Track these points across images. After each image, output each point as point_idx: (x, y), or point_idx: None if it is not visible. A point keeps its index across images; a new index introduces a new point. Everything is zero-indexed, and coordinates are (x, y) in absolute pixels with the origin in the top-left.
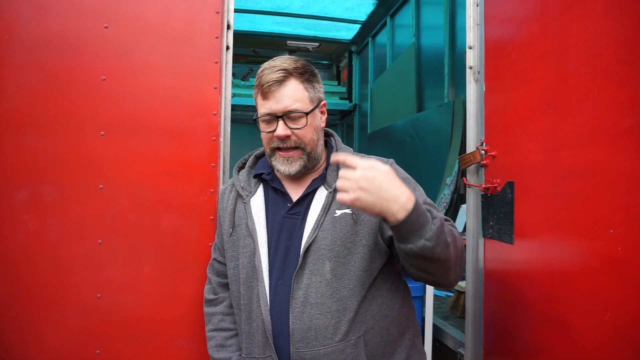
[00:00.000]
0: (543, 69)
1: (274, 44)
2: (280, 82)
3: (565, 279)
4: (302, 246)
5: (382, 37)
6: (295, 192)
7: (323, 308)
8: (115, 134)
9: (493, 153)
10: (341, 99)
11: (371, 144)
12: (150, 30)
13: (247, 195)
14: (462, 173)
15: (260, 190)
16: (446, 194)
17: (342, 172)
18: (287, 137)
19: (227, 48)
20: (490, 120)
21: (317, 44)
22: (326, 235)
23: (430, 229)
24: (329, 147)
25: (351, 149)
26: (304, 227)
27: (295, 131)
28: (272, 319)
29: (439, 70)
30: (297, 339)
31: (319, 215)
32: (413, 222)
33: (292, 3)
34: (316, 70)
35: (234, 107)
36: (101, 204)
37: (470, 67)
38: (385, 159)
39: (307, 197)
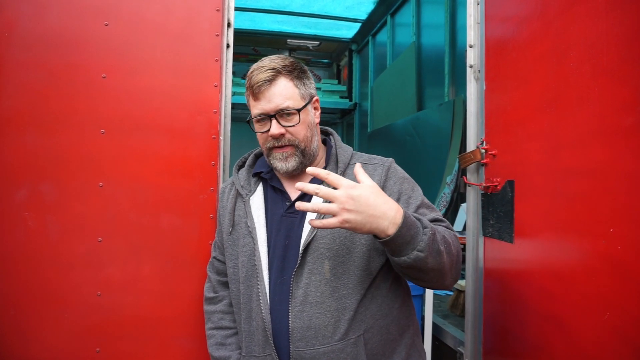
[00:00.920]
0: (544, 68)
1: (275, 42)
2: (270, 81)
3: (565, 278)
4: (301, 245)
5: (383, 36)
6: (294, 191)
7: (323, 307)
8: (116, 132)
9: (493, 152)
10: (341, 97)
11: (371, 143)
12: (150, 28)
13: (246, 194)
14: (463, 172)
15: (260, 189)
16: (446, 192)
17: (325, 192)
18: (282, 135)
19: (228, 46)
20: (491, 119)
21: (318, 42)
22: (325, 234)
23: (422, 240)
24: (328, 146)
25: (351, 148)
26: (302, 226)
27: (289, 129)
28: (272, 317)
29: (440, 69)
30: (296, 338)
31: (318, 214)
32: (404, 235)
33: (293, 1)
34: (305, 67)
35: (234, 106)
36: (101, 202)
37: (471, 66)
38: (385, 158)
39: (306, 196)
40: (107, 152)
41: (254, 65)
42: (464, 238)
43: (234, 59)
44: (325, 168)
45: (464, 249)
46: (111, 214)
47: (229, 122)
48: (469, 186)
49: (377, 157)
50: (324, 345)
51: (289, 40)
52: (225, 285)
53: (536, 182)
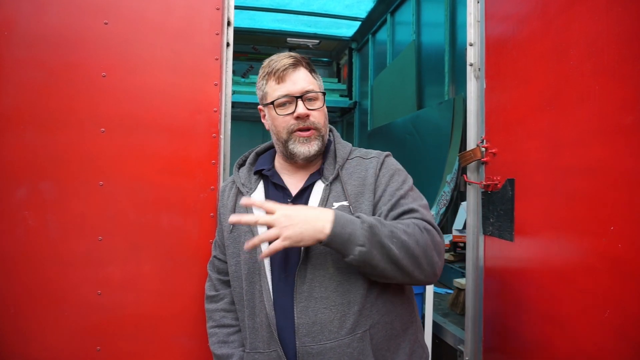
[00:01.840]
0: (544, 66)
1: (274, 41)
2: (295, 66)
3: (565, 276)
4: None
5: (383, 35)
6: (294, 187)
7: (328, 302)
8: (116, 131)
9: (493, 150)
10: (341, 96)
11: (371, 142)
12: (150, 27)
13: (247, 192)
14: (463, 170)
15: (261, 186)
16: (446, 191)
17: (264, 220)
18: (307, 116)
19: (228, 45)
20: (491, 117)
21: (317, 41)
22: None
23: (361, 234)
24: (328, 142)
25: (350, 144)
26: None
27: (313, 112)
28: (276, 313)
29: (440, 68)
30: (302, 334)
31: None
32: (341, 232)
33: (293, 0)
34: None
35: (234, 104)
36: (101, 201)
37: (471, 65)
38: (382, 152)
39: (306, 192)
40: (107, 151)
41: (271, 57)
42: (464, 237)
43: (234, 58)
44: (323, 163)
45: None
46: (111, 213)
47: (229, 120)
48: (469, 184)
49: (374, 152)
50: (330, 340)
51: (288, 39)
52: (226, 283)
53: (536, 180)
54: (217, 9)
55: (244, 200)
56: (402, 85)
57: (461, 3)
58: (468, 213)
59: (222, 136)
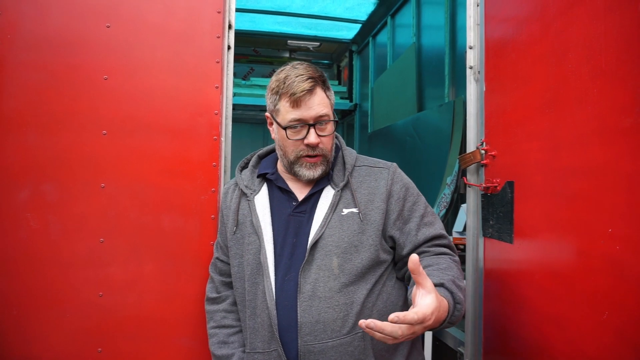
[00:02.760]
0: (543, 68)
1: (275, 43)
2: (311, 91)
3: (564, 277)
4: (310, 241)
5: (383, 37)
6: (300, 192)
7: (331, 302)
8: (117, 133)
9: (493, 153)
10: (342, 98)
11: (372, 144)
12: (151, 30)
13: (251, 194)
14: (463, 172)
15: (265, 189)
16: (446, 193)
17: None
18: (317, 144)
19: (229, 47)
20: (491, 120)
21: (318, 43)
22: (333, 232)
23: (457, 316)
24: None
25: (354, 151)
26: (310, 225)
27: (322, 139)
28: (278, 313)
29: (440, 70)
30: (305, 332)
31: (326, 213)
32: (451, 319)
33: (293, 3)
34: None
35: (235, 107)
36: (103, 202)
37: (471, 67)
38: (389, 162)
39: (313, 196)
40: (109, 152)
41: (288, 71)
42: (464, 239)
43: (235, 60)
44: (332, 170)
45: (464, 250)
46: (112, 215)
47: (230, 123)
48: (469, 187)
49: (381, 161)
50: (332, 339)
51: (289, 41)
52: (228, 285)
53: (536, 182)
54: (218, 12)
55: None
56: (403, 88)
57: (461, 6)
58: (468, 215)
59: (223, 138)
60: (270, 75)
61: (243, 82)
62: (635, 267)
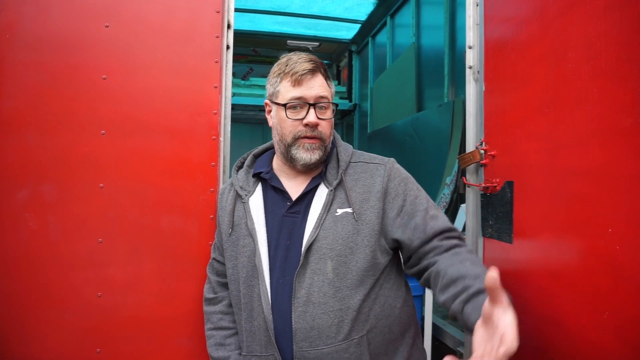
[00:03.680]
0: (542, 69)
1: (274, 43)
2: (313, 72)
3: (563, 278)
4: (304, 245)
5: (382, 37)
6: (294, 191)
7: (326, 307)
8: (116, 133)
9: (492, 153)
10: (341, 98)
11: (371, 144)
12: (151, 30)
13: (245, 195)
14: (462, 172)
15: (259, 189)
16: (446, 193)
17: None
18: (316, 125)
19: (228, 47)
20: (490, 120)
21: (317, 43)
22: (328, 234)
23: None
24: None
25: (350, 146)
26: (304, 226)
27: (321, 121)
28: (274, 318)
29: (439, 70)
30: (300, 338)
31: (320, 213)
32: None
33: (292, 3)
34: None
35: (234, 107)
36: (102, 203)
37: (470, 67)
38: (386, 158)
39: (307, 196)
40: (108, 153)
41: (290, 55)
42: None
43: (234, 60)
44: (326, 166)
45: None
46: (112, 215)
47: (229, 123)
48: (468, 187)
49: (378, 157)
50: (327, 346)
51: (288, 41)
52: (225, 286)
53: (535, 182)
54: (217, 12)
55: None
56: (402, 88)
57: (460, 6)
58: (467, 215)
59: (221, 138)
60: None
61: (242, 82)
62: (635, 267)
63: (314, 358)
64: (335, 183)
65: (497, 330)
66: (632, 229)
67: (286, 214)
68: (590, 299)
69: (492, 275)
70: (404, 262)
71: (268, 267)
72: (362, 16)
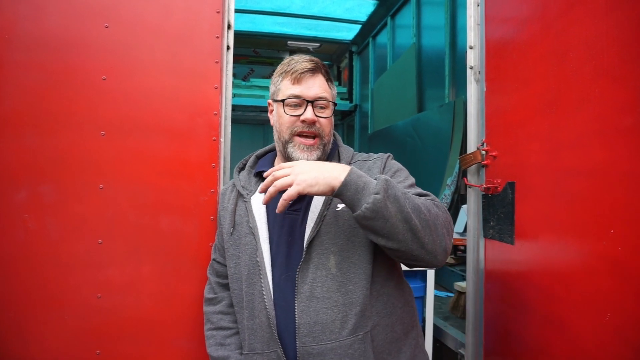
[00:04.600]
0: (544, 69)
1: (275, 44)
2: (313, 71)
3: (565, 279)
4: (306, 240)
5: (383, 38)
6: None
7: (330, 302)
8: (116, 133)
9: (494, 153)
10: (342, 99)
11: (372, 145)
12: (150, 30)
13: (247, 194)
14: (463, 173)
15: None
16: (447, 194)
17: (280, 172)
18: (314, 122)
19: (228, 48)
20: (491, 120)
21: (318, 44)
22: (329, 229)
23: (377, 184)
24: (332, 145)
25: (352, 149)
26: (305, 223)
27: (320, 119)
28: (277, 314)
29: (440, 71)
30: (303, 334)
31: (321, 209)
32: (356, 180)
33: (293, 3)
34: None
35: (234, 107)
36: (101, 203)
37: (471, 68)
38: (383, 154)
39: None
40: (107, 153)
41: (293, 56)
42: (465, 240)
43: (234, 61)
44: None
45: (464, 250)
46: (111, 216)
47: (229, 123)
48: (470, 187)
49: (376, 154)
50: (331, 341)
51: (289, 42)
52: (225, 287)
53: (537, 183)
54: (218, 12)
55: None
56: (403, 88)
57: (461, 6)
58: (469, 216)
59: (222, 139)
60: (270, 77)
61: (243, 82)
62: (637, 268)
63: (317, 354)
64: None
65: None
66: (634, 229)
67: (287, 212)
68: (592, 300)
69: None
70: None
71: (270, 263)
72: (363, 17)
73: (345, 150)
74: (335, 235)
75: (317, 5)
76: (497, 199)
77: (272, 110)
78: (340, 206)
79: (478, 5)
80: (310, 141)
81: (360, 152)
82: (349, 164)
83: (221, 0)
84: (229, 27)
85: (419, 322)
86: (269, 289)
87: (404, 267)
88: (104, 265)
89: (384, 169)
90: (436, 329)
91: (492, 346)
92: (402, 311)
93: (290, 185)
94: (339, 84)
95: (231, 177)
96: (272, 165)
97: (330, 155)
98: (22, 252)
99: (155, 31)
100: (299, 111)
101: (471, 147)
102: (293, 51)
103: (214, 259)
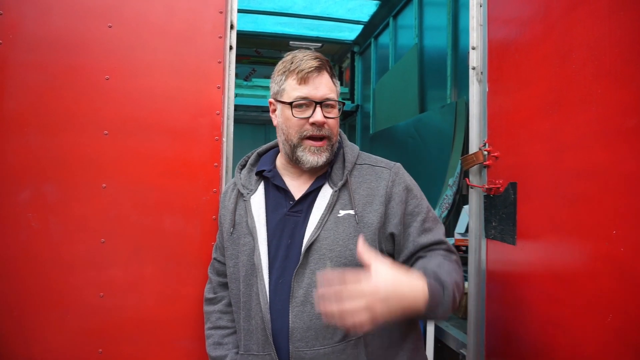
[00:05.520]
0: (546, 70)
1: (277, 44)
2: (319, 69)
3: (567, 280)
4: (304, 245)
5: (385, 38)
6: (297, 190)
7: None
8: (118, 133)
9: (496, 154)
10: (344, 99)
11: (373, 145)
12: (153, 30)
13: (247, 193)
14: (465, 174)
15: (261, 188)
16: (448, 194)
17: (348, 292)
18: (323, 124)
19: (231, 48)
20: (493, 121)
21: (320, 44)
22: (329, 235)
23: (446, 302)
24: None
25: (357, 147)
26: (306, 226)
27: (328, 120)
28: (272, 317)
29: (442, 71)
30: (296, 338)
31: (322, 214)
32: (432, 308)
33: (295, 4)
34: None
35: (236, 107)
36: (104, 203)
37: (474, 68)
38: (392, 163)
39: (310, 195)
40: (110, 153)
41: (296, 52)
42: (466, 240)
43: (237, 61)
44: (332, 166)
45: (466, 251)
46: (114, 215)
47: (232, 123)
48: (472, 188)
49: (384, 160)
50: (324, 346)
51: (291, 42)
52: (225, 286)
53: (539, 184)
54: (220, 13)
55: (360, 248)
56: (405, 89)
57: (463, 7)
58: (470, 216)
59: (224, 139)
60: None
61: (245, 82)
62: (639, 269)
63: (310, 359)
64: (340, 184)
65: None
66: (637, 230)
67: (288, 213)
68: (594, 301)
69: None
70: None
71: (267, 265)
72: (365, 17)
73: (351, 149)
74: (333, 241)
75: (319, 6)
76: (499, 200)
77: (275, 110)
78: (342, 212)
79: (481, 6)
80: (319, 143)
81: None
82: (354, 165)
83: (224, 0)
84: (231, 27)
85: (419, 327)
86: (265, 292)
87: None
88: (107, 264)
89: (392, 184)
90: (438, 330)
91: (493, 346)
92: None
93: (364, 322)
94: (341, 84)
95: (233, 176)
96: (274, 163)
97: (335, 155)
98: (25, 251)
99: (158, 31)
100: (307, 113)
101: (473, 147)
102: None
103: (214, 258)
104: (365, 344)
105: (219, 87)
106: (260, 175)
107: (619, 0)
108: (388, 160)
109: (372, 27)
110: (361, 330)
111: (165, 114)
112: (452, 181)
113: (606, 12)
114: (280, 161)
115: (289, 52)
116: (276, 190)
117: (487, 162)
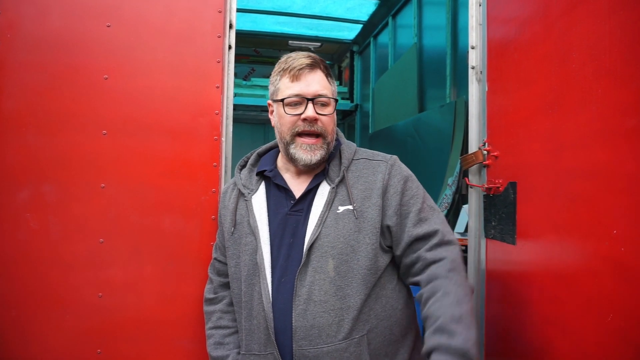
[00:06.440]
0: (546, 69)
1: (276, 43)
2: (312, 67)
3: (567, 280)
4: (306, 243)
5: (384, 37)
6: (297, 189)
7: (327, 306)
8: (117, 133)
9: (495, 153)
10: (343, 99)
11: (373, 144)
12: (152, 30)
13: (248, 193)
14: (464, 173)
15: (262, 187)
16: (448, 194)
17: None
18: (315, 120)
19: (230, 47)
20: (493, 120)
21: (319, 43)
22: (329, 231)
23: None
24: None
25: (354, 144)
26: (307, 224)
27: (322, 117)
28: (275, 316)
29: (441, 71)
30: (300, 337)
31: (322, 211)
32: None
33: (294, 3)
34: None
35: (236, 107)
36: (103, 203)
37: (473, 67)
38: (388, 155)
39: (310, 193)
40: (109, 153)
41: (290, 54)
42: (466, 240)
43: (236, 60)
44: (329, 164)
45: (465, 251)
46: (113, 215)
47: (231, 123)
48: (471, 187)
49: (381, 154)
50: (327, 345)
51: (290, 42)
52: (226, 286)
53: (538, 183)
54: (219, 12)
55: None
56: (404, 88)
57: (463, 6)
58: (470, 216)
59: (223, 139)
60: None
61: (244, 82)
62: (639, 269)
63: (313, 357)
64: (337, 180)
65: None
66: (637, 230)
67: (290, 212)
68: (595, 301)
69: None
70: (400, 269)
71: (270, 265)
72: (364, 16)
73: (348, 146)
74: (334, 238)
75: (319, 5)
76: (499, 199)
77: (272, 111)
78: (342, 209)
79: (480, 5)
80: (312, 140)
81: None
82: (351, 161)
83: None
84: (230, 26)
85: (417, 324)
86: (268, 291)
87: None
88: (106, 264)
89: (390, 175)
90: None
91: (493, 346)
92: (401, 313)
93: None
94: (340, 84)
95: (232, 176)
96: (275, 163)
97: (332, 154)
98: (24, 251)
99: (157, 31)
100: (299, 110)
101: (472, 147)
102: (294, 50)
103: (215, 258)
104: (368, 342)
105: (218, 87)
106: (261, 175)
107: (619, 0)
108: (384, 154)
109: (371, 27)
110: None
111: (164, 113)
112: (451, 180)
113: (606, 12)
114: (280, 161)
115: (286, 54)
116: (277, 189)
117: (486, 162)
